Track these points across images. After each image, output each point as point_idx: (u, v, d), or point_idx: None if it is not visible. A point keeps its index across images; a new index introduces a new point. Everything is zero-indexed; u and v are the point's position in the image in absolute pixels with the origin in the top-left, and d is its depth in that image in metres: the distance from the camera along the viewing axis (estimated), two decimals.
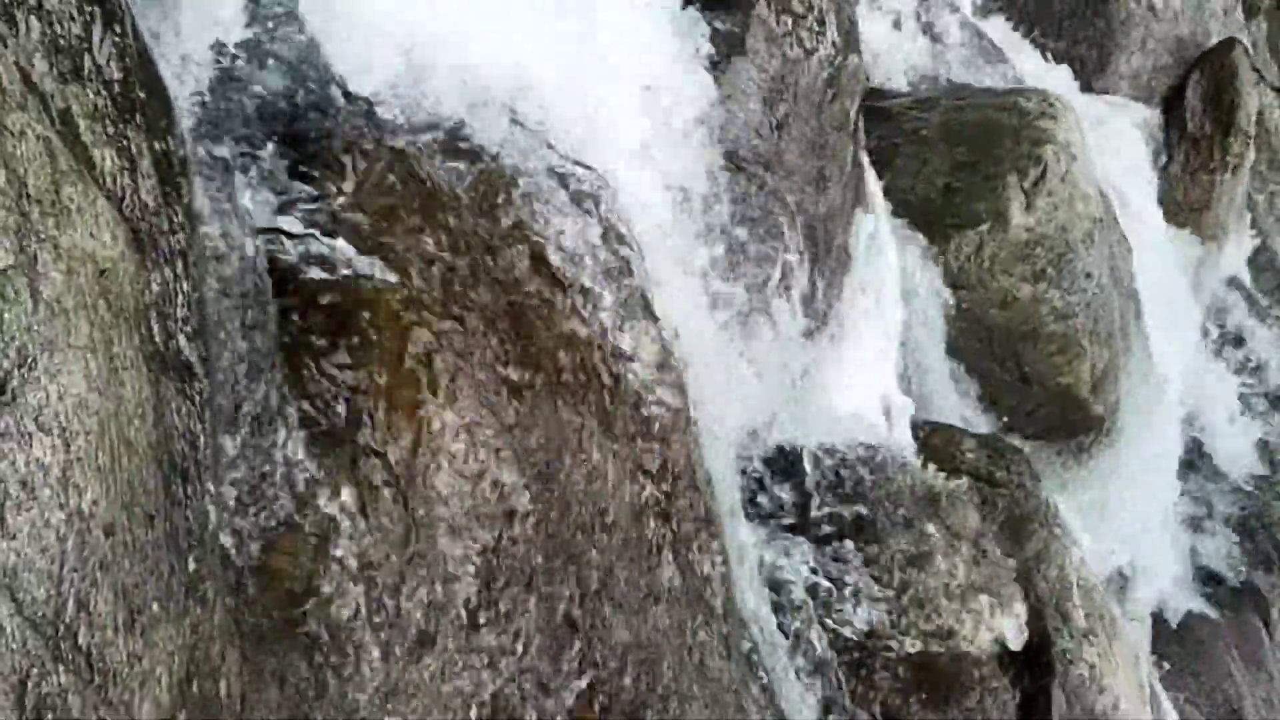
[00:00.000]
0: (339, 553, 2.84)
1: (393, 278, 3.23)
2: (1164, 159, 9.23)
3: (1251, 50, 9.95)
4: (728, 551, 4.20)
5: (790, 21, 5.10)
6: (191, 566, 2.26)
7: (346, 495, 2.88)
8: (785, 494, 4.96)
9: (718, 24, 4.76)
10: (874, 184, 6.12)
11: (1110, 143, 8.41)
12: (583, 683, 3.45)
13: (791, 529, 4.90)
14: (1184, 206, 9.15)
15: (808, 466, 5.05)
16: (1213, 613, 8.62)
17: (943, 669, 4.95)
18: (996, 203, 6.55)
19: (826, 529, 4.98)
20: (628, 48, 4.28)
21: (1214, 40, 9.81)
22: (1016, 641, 5.23)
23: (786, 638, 4.66)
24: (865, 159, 6.00)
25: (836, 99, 5.43)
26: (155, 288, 2.26)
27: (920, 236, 6.40)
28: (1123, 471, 7.54)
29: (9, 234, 1.95)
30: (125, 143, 2.27)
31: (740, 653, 4.21)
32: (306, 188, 3.29)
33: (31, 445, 1.93)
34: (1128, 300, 7.39)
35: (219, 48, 3.31)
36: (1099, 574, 6.34)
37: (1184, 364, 8.74)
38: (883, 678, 4.83)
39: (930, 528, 5.21)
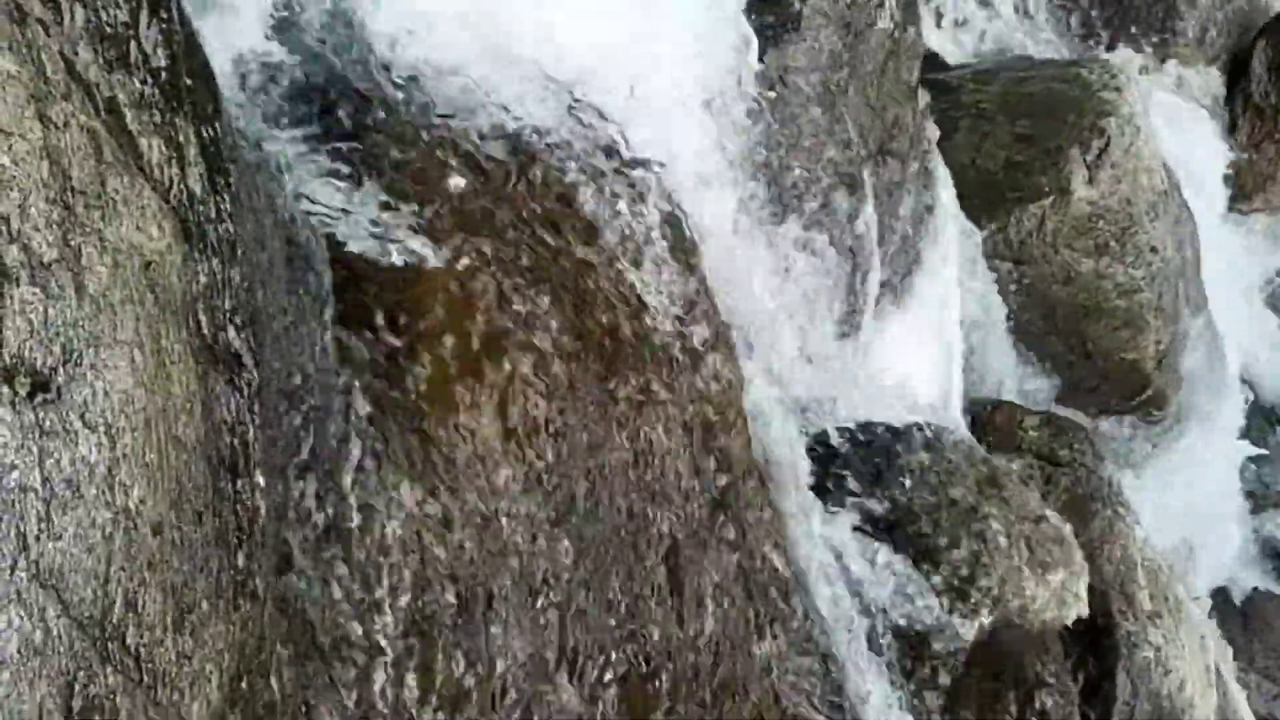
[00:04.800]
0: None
1: (443, 259, 3.20)
2: (1229, 129, 9.05)
3: None
4: (790, 535, 4.14)
5: None
6: (241, 562, 2.22)
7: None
8: (843, 476, 4.89)
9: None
10: (938, 158, 6.02)
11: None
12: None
13: (851, 512, 4.83)
14: (1249, 178, 8.96)
15: (864, 447, 4.98)
16: (1278, 589, 8.52)
17: (1006, 652, 4.87)
18: (1058, 176, 6.45)
19: (885, 510, 4.90)
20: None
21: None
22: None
23: (848, 620, 4.60)
24: (931, 132, 5.90)
25: (896, 72, 5.33)
26: (203, 279, 2.22)
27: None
28: (1186, 447, 7.44)
29: (53, 228, 1.91)
30: (172, 131, 2.22)
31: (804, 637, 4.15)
32: (356, 167, 3.25)
33: (77, 443, 1.89)
34: (1192, 274, 7.26)
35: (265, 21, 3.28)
36: (1162, 552, 6.25)
37: (1248, 339, 8.60)
38: (945, 661, 4.76)
39: (991, 509, 5.12)
